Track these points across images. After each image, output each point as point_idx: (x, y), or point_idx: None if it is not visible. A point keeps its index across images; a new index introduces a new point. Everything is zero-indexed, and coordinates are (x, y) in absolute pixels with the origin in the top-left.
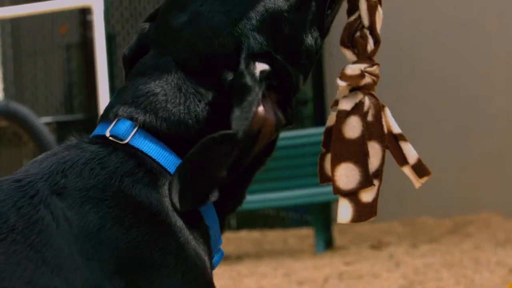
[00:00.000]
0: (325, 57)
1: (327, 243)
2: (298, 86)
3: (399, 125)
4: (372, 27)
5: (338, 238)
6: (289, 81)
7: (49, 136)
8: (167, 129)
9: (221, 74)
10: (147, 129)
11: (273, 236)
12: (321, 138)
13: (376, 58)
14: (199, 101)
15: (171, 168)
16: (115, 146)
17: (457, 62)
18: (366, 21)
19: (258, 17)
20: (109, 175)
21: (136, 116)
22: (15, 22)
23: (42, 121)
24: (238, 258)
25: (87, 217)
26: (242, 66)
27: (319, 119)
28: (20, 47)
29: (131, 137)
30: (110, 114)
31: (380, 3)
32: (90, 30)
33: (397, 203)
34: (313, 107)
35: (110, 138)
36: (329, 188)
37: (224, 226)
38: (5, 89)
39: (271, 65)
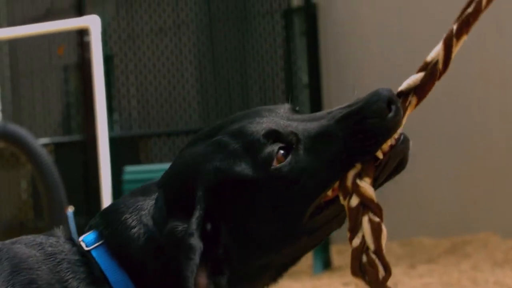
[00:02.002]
0: (323, 76)
1: (325, 263)
2: (239, 266)
3: None
4: (379, 252)
5: (336, 258)
6: (224, 257)
7: (47, 157)
8: (119, 247)
9: (174, 222)
10: (108, 244)
11: None
12: None
13: (368, 83)
14: (150, 237)
15: (112, 280)
16: (75, 245)
17: (448, 79)
18: (371, 245)
19: (216, 178)
20: (51, 255)
21: (103, 230)
22: (13, 43)
23: (39, 142)
24: None
25: (20, 274)
26: (192, 226)
27: None
28: (17, 68)
29: (93, 247)
30: (91, 223)
31: (382, 220)
32: (88, 51)
33: (394, 223)
34: None
35: (81, 243)
36: None
37: None
38: (3, 110)
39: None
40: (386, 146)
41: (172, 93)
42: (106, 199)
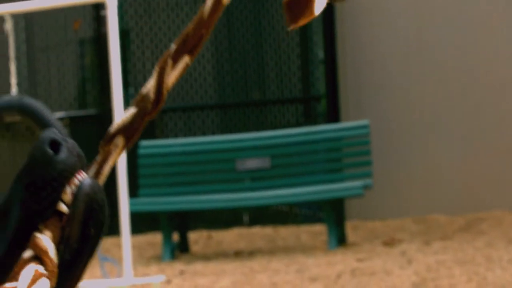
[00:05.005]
0: (338, 52)
1: (340, 239)
2: None
3: (411, 124)
4: None
5: (350, 234)
6: None
7: (62, 131)
8: None
9: None
10: None
11: (286, 233)
12: (334, 135)
13: (384, 60)
14: None
15: None
16: None
17: (464, 59)
18: None
19: None
20: None
21: None
22: (29, 17)
23: (55, 116)
24: (251, 254)
25: None
26: None
27: (332, 116)
28: (33, 42)
29: None
30: None
31: (51, 278)
32: (104, 25)
33: (409, 200)
34: (326, 103)
35: None
36: (342, 185)
37: None
38: (19, 84)
39: None
40: (67, 197)
41: (188, 68)
42: (122, 174)
